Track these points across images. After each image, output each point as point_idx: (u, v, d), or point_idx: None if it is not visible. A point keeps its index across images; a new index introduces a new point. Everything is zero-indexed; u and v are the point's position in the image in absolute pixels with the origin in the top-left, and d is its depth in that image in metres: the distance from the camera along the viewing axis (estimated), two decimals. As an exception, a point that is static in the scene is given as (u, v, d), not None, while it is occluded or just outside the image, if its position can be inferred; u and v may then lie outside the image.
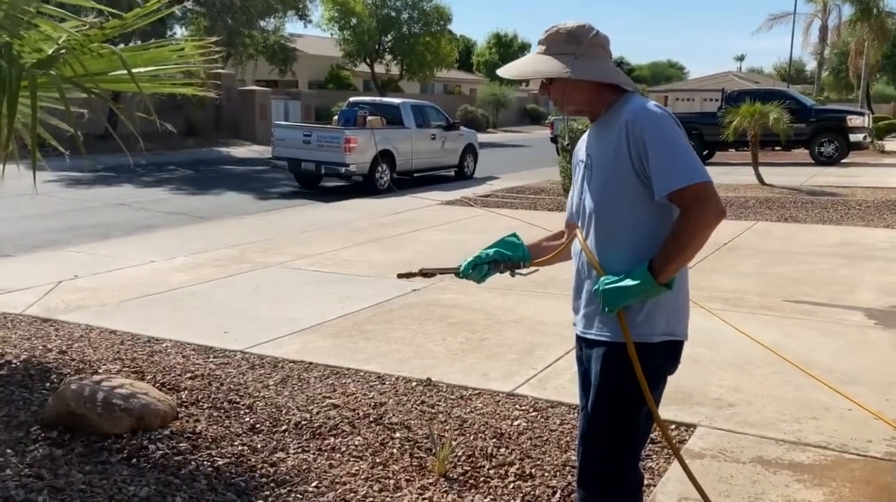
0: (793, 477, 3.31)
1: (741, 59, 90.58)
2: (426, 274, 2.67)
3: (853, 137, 19.52)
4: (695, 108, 38.67)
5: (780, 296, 6.29)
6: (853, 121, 19.67)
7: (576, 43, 2.21)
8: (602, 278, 2.15)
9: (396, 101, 17.12)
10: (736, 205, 11.71)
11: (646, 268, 2.09)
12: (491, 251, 2.53)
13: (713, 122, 17.56)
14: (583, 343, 2.35)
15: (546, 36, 2.27)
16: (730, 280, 6.89)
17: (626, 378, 2.16)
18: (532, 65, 2.28)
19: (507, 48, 52.95)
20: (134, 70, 3.76)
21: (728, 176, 15.95)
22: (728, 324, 5.42)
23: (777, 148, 19.43)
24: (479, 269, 2.52)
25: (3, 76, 3.25)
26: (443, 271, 2.67)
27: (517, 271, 2.58)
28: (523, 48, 53.69)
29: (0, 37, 3.36)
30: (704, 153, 20.16)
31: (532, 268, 2.57)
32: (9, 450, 3.17)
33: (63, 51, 3.47)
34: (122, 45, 4.05)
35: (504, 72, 2.37)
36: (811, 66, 52.00)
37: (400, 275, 2.76)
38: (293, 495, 3.07)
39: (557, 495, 3.17)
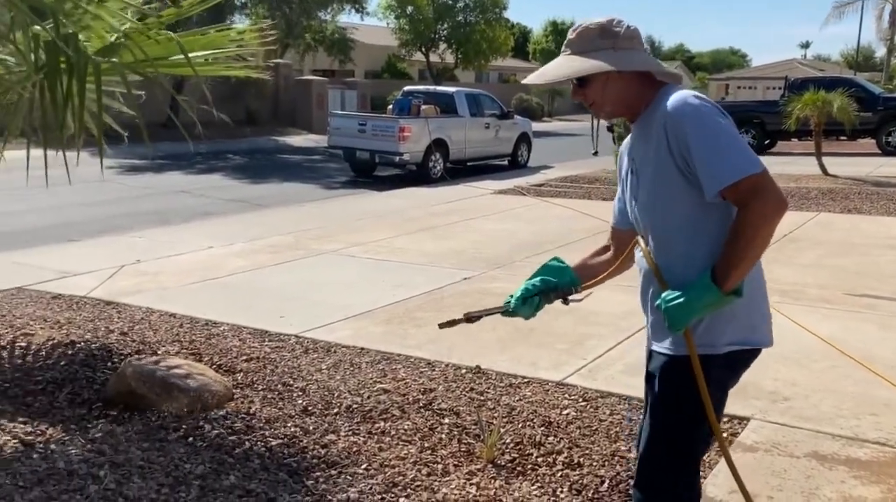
0: (849, 473, 3.24)
1: (806, 47, 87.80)
2: (471, 318, 2.42)
3: (924, 127, 18.78)
4: (757, 97, 37.74)
5: (841, 289, 6.12)
6: (924, 109, 18.92)
7: (611, 37, 2.08)
8: (664, 294, 1.98)
9: (451, 89, 17.13)
10: (798, 195, 11.41)
11: (708, 277, 1.92)
12: (537, 281, 2.32)
13: (775, 111, 17.11)
14: (651, 350, 2.24)
15: (575, 35, 2.14)
16: (789, 272, 6.72)
17: (686, 393, 2.04)
18: (567, 65, 2.12)
19: (564, 35, 52.21)
20: (191, 55, 3.85)
21: (790, 166, 15.55)
22: (786, 317, 5.29)
23: (842, 137, 18.80)
24: (529, 303, 2.30)
25: (71, 65, 3.37)
26: (489, 312, 2.41)
27: (570, 298, 2.34)
28: (580, 36, 52.93)
29: (66, 27, 3.47)
30: (766, 143, 19.67)
31: (585, 293, 2.35)
32: (73, 426, 3.31)
33: (123, 38, 3.57)
34: (181, 31, 4.14)
35: (536, 77, 2.19)
36: (881, 52, 50.21)
37: (441, 325, 2.48)
38: (343, 476, 3.13)
39: (605, 484, 3.16)
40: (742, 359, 2.11)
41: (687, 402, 2.05)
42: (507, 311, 2.32)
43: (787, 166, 15.26)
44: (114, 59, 3.57)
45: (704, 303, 1.93)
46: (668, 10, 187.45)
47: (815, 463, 3.32)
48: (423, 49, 37.15)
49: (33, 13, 3.42)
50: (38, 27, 3.35)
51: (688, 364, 2.02)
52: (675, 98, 1.99)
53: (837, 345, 4.64)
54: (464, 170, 15.98)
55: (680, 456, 2.16)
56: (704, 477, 3.19)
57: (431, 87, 18.54)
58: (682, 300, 1.94)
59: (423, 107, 15.26)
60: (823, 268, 6.97)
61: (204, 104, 3.96)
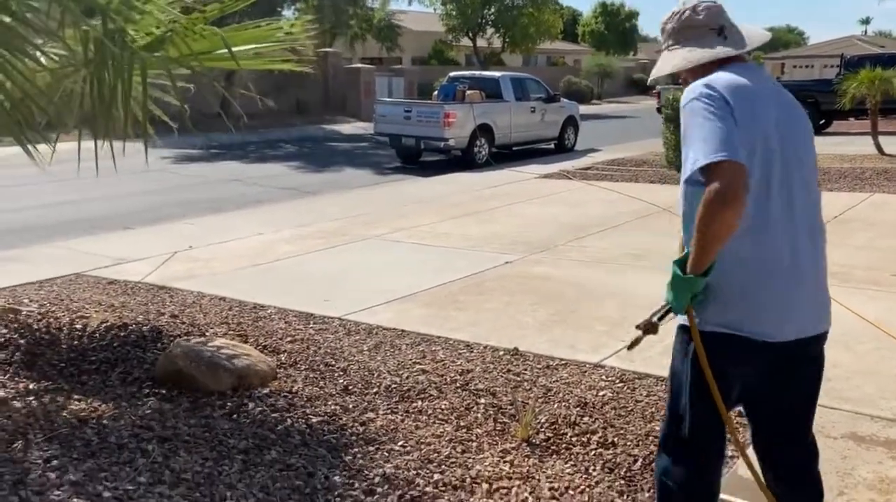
0: (887, 454, 3.21)
1: (866, 23, 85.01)
2: (648, 328, 2.28)
3: None
4: (814, 76, 36.68)
5: (891, 271, 5.99)
6: None
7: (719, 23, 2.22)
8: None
9: (496, 74, 17.08)
10: (851, 176, 11.13)
11: (676, 261, 2.07)
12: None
13: (829, 90, 16.66)
14: None
15: (679, 26, 2.25)
16: (839, 253, 6.58)
17: (679, 361, 2.24)
18: (681, 56, 2.24)
19: (614, 17, 51.57)
20: (234, 49, 3.97)
21: (846, 146, 15.14)
22: (832, 299, 5.21)
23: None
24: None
25: (117, 60, 3.51)
26: (657, 314, 2.26)
27: None
28: (630, 17, 52.17)
29: (115, 22, 3.61)
30: (821, 122, 19.15)
31: None
32: (124, 403, 3.47)
33: (169, 33, 3.70)
34: (233, 24, 4.27)
35: (658, 72, 2.33)
36: (946, 26, 48.18)
37: (630, 348, 2.40)
38: (380, 452, 3.23)
39: (639, 463, 3.20)
40: (731, 345, 2.10)
41: (680, 371, 2.23)
42: (671, 309, 2.20)
43: (842, 146, 14.87)
44: (158, 54, 3.70)
45: (676, 285, 2.05)
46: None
47: (852, 443, 3.30)
48: (470, 34, 37.00)
49: (84, 10, 3.57)
50: (87, 24, 3.49)
51: (685, 333, 2.19)
52: (686, 91, 2.13)
53: (884, 327, 4.56)
54: (509, 154, 15.96)
55: (673, 421, 2.28)
56: (738, 457, 3.19)
57: (477, 73, 18.52)
58: (667, 283, 2.10)
59: (469, 92, 15.26)
60: (874, 249, 6.83)
61: (253, 95, 4.08)
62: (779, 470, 2.33)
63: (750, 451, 2.40)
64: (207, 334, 4.53)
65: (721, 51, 2.18)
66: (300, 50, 4.86)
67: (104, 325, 4.55)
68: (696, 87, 2.08)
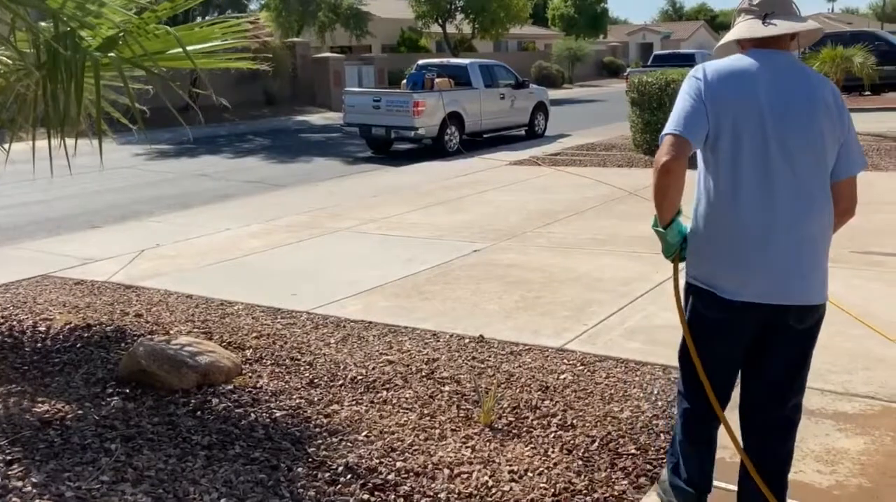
0: (835, 427, 3.32)
1: (832, 0, 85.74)
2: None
3: (950, 78, 18.40)
4: (781, 54, 36.91)
5: (848, 248, 6.12)
6: (950, 60, 18.51)
7: None
8: None
9: (464, 61, 17.08)
10: (814, 154, 11.30)
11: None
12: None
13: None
14: None
15: (739, 7, 2.48)
16: (798, 232, 6.73)
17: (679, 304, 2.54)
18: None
19: (584, 0, 51.62)
20: (190, 48, 3.97)
21: (810, 124, 15.34)
22: (789, 277, 5.33)
23: (866, 92, 18.52)
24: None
25: (69, 61, 3.51)
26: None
27: None
28: (599, 0, 52.23)
29: (65, 25, 3.61)
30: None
31: None
32: (87, 404, 3.49)
33: (122, 34, 3.70)
34: (200, 20, 4.25)
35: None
36: (910, 2, 48.83)
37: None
38: (344, 443, 3.28)
39: (596, 444, 3.28)
40: (701, 296, 2.41)
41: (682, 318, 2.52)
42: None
43: (807, 124, 15.06)
44: (112, 55, 3.70)
45: (657, 236, 2.48)
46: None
47: (803, 417, 3.39)
48: (440, 20, 36.91)
49: (35, 14, 3.56)
50: (36, 29, 3.49)
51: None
52: None
53: (835, 302, 4.67)
54: (480, 142, 16.00)
55: (681, 366, 2.60)
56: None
57: (445, 60, 18.50)
58: None
59: (437, 80, 15.26)
60: (833, 226, 6.96)
61: (208, 93, 4.07)
62: (751, 434, 2.49)
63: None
64: (172, 332, 4.55)
65: (730, 35, 2.47)
66: (267, 41, 4.87)
67: (68, 327, 4.56)
68: (695, 68, 2.39)
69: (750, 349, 2.41)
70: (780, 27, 2.33)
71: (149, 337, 4.30)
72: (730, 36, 2.45)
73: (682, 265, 2.55)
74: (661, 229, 2.42)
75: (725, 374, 2.48)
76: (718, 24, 75.11)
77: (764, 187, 2.25)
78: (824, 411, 3.47)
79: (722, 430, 2.54)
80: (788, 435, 2.49)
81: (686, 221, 2.45)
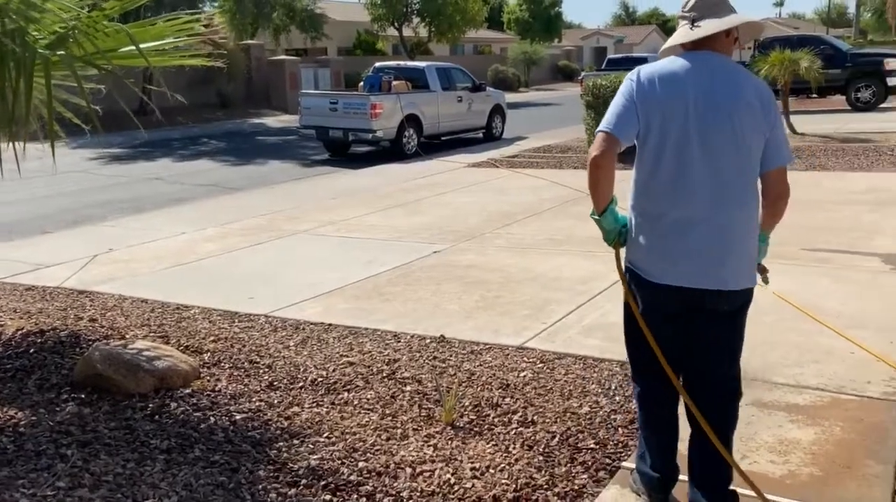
0: (787, 418, 3.41)
1: (780, 5, 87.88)
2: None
3: (891, 81, 18.90)
4: (734, 58, 37.72)
5: (798, 245, 6.29)
6: (890, 64, 19.04)
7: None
8: None
9: (421, 64, 17.10)
10: (764, 155, 11.56)
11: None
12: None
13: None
14: None
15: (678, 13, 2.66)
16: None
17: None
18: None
19: (538, 4, 52.03)
20: (143, 45, 3.91)
21: (760, 126, 15.67)
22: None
23: (813, 95, 19.00)
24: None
25: (18, 59, 3.43)
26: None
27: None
28: (554, 4, 52.69)
29: (14, 22, 3.53)
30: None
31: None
32: (41, 410, 3.42)
33: (72, 31, 3.63)
34: (151, 17, 4.20)
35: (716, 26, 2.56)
36: (853, 8, 50.28)
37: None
38: (305, 445, 3.26)
39: (556, 439, 3.31)
40: (635, 278, 2.63)
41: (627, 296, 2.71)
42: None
43: (757, 126, 15.38)
44: (62, 52, 3.63)
45: (594, 220, 2.67)
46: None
47: (755, 410, 3.49)
48: (396, 23, 36.87)
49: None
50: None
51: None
52: None
53: (786, 298, 4.80)
54: (438, 144, 16.04)
55: (626, 342, 2.82)
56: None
57: (402, 63, 18.51)
58: None
59: (395, 83, 15.25)
60: (782, 225, 7.11)
61: (164, 91, 4.01)
62: (696, 401, 2.61)
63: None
64: (128, 337, 4.48)
65: (669, 41, 2.64)
66: (221, 43, 4.82)
67: (20, 333, 4.45)
68: (632, 71, 2.58)
69: (683, 328, 2.59)
70: (705, 28, 2.49)
71: (104, 341, 4.22)
72: (668, 42, 2.64)
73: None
74: (597, 217, 2.64)
75: (666, 349, 2.59)
76: (670, 27, 76.37)
77: (685, 180, 2.44)
78: (777, 403, 3.56)
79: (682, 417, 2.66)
80: (729, 401, 2.66)
81: (622, 211, 2.65)
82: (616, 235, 2.67)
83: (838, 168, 10.38)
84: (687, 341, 2.60)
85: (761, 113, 2.45)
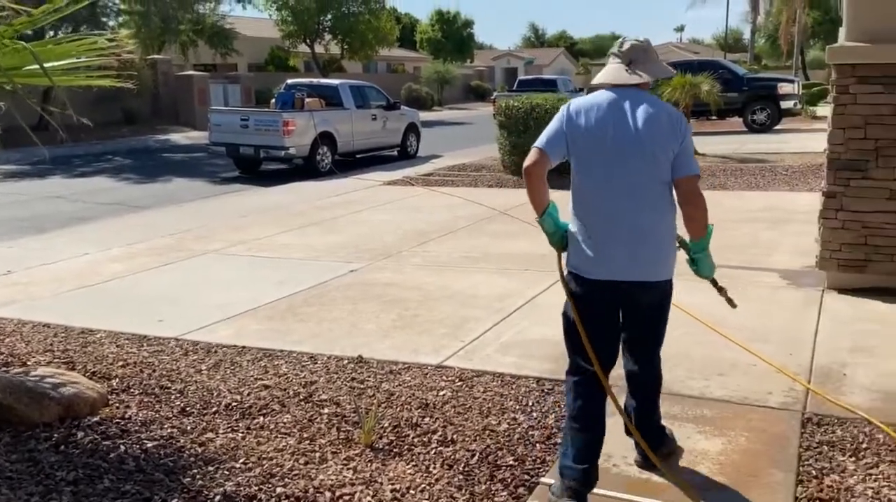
0: (695, 430, 3.54)
1: (681, 30, 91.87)
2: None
3: (784, 104, 20.08)
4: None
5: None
6: (783, 88, 20.23)
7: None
8: None
9: (335, 82, 17.05)
10: (669, 174, 12.01)
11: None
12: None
13: (649, 95, 17.84)
14: None
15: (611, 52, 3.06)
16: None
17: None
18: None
19: (451, 25, 52.74)
20: (48, 64, 3.77)
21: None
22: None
23: (712, 117, 19.91)
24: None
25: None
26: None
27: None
28: (466, 25, 53.54)
29: None
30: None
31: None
32: (-66, 444, 3.22)
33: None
34: (52, 34, 4.03)
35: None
36: (748, 34, 53.03)
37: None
38: (220, 472, 3.18)
39: (476, 457, 3.34)
40: (573, 276, 2.99)
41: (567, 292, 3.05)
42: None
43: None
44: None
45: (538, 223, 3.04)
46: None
47: (665, 422, 3.59)
48: (308, 40, 36.63)
49: None
50: None
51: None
52: None
53: (691, 313, 4.99)
54: (353, 162, 15.98)
55: (565, 333, 3.08)
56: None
57: (315, 80, 18.40)
58: None
59: (308, 100, 15.14)
60: (688, 242, 7.42)
61: (68, 112, 3.88)
62: (629, 367, 3.14)
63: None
64: (30, 363, 4.27)
65: (603, 78, 3.00)
66: (128, 58, 4.69)
67: None
68: (567, 103, 3.04)
69: (617, 317, 3.03)
70: (643, 77, 2.95)
71: (3, 369, 4.01)
72: (600, 78, 3.02)
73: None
74: (539, 219, 3.01)
75: (602, 338, 2.97)
76: (577, 50, 78.70)
77: (606, 190, 2.87)
78: (685, 415, 3.69)
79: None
80: (653, 367, 3.17)
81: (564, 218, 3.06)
82: (558, 238, 3.03)
83: (737, 187, 10.88)
84: (623, 327, 3.04)
85: (670, 131, 2.86)
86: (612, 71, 2.99)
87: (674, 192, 2.90)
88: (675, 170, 2.86)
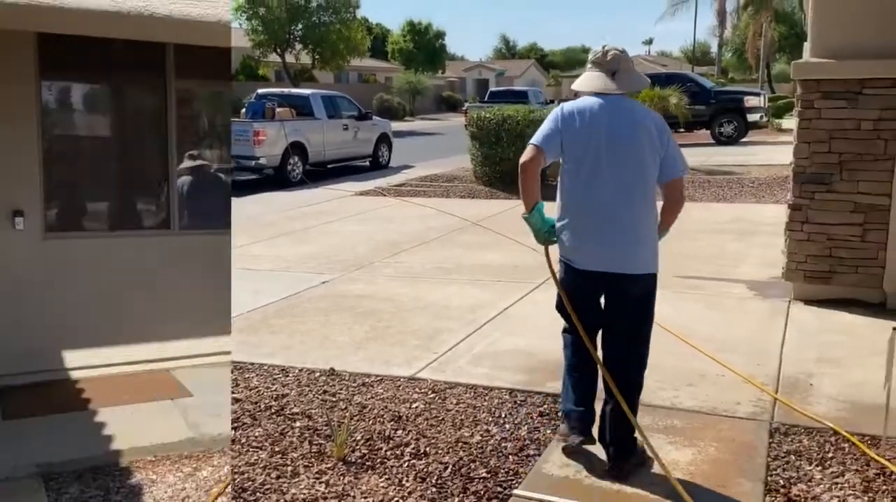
0: (666, 440, 3.58)
1: (649, 43, 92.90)
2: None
3: (751, 117, 20.42)
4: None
5: (671, 273, 6.59)
6: (750, 101, 20.58)
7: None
8: None
9: (306, 92, 17.04)
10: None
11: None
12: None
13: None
14: None
15: (593, 59, 3.27)
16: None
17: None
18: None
19: (423, 35, 52.90)
20: None
21: (634, 158, 16.45)
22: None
23: (680, 129, 20.16)
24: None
25: None
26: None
27: None
28: (438, 36, 53.74)
29: None
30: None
31: None
32: None
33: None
34: None
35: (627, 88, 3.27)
36: (716, 48, 53.88)
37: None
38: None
39: (449, 470, 3.34)
40: (564, 266, 3.27)
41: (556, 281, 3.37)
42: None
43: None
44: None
45: (525, 220, 3.27)
46: (520, 8, 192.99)
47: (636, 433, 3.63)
48: (279, 50, 36.52)
49: None
50: None
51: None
52: None
53: (661, 324, 5.04)
54: (324, 172, 15.94)
55: (557, 309, 3.40)
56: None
57: (286, 90, 18.39)
58: None
59: (279, 110, 15.09)
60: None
61: None
62: (609, 355, 3.29)
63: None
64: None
65: (586, 85, 3.21)
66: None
67: None
68: (560, 105, 3.26)
69: (603, 305, 3.29)
70: (622, 87, 3.18)
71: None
72: (585, 86, 3.22)
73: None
74: (527, 215, 3.21)
75: (589, 316, 3.28)
76: (548, 62, 79.41)
77: (595, 188, 3.11)
78: (656, 426, 3.72)
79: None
80: (630, 361, 3.31)
81: (549, 214, 3.27)
82: (545, 234, 3.26)
83: (705, 199, 11.03)
84: (607, 316, 3.28)
85: (657, 136, 3.14)
86: (596, 79, 3.21)
87: (657, 191, 3.20)
88: (662, 174, 3.17)
